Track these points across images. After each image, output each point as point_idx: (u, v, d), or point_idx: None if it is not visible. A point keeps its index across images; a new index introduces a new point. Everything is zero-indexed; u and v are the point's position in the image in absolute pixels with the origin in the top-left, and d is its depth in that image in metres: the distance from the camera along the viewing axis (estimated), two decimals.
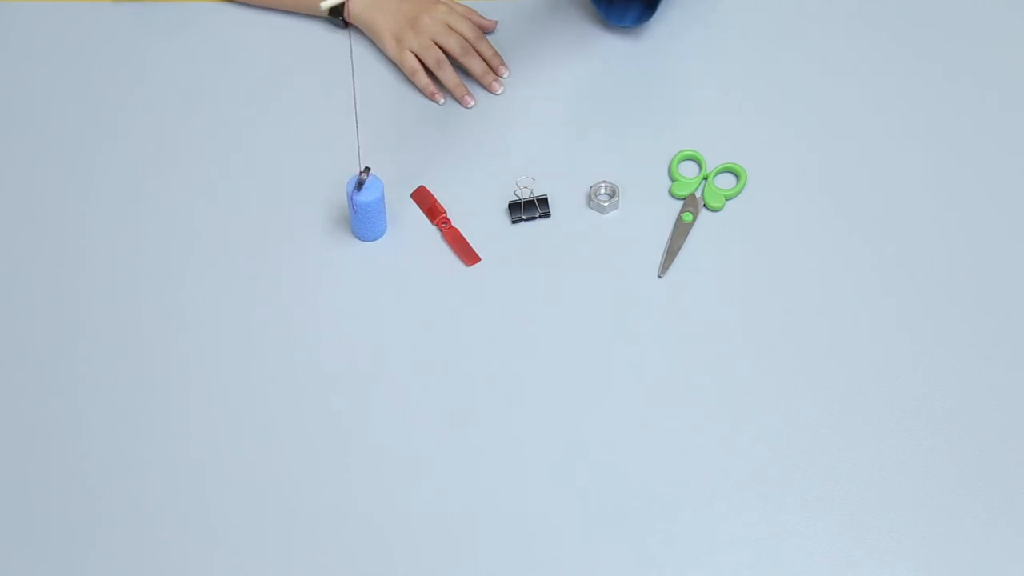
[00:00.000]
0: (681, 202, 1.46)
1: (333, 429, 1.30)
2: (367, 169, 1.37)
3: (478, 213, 1.44)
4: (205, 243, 1.43)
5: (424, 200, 1.45)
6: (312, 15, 1.60)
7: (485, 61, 1.55)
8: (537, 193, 1.44)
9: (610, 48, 1.58)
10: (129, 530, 1.25)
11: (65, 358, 1.35)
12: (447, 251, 1.42)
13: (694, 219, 1.44)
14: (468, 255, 1.41)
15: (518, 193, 1.45)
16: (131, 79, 1.56)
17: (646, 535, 1.24)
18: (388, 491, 1.27)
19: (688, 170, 1.48)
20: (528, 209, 1.43)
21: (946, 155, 1.50)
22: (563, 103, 1.53)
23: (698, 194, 1.46)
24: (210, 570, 1.23)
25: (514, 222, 1.43)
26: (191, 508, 1.26)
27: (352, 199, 1.37)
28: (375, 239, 1.43)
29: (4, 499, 1.26)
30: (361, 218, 1.39)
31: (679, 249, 1.42)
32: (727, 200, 1.46)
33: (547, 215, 1.44)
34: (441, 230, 1.43)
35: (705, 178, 1.47)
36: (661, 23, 1.60)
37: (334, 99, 1.54)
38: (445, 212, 1.44)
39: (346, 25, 1.59)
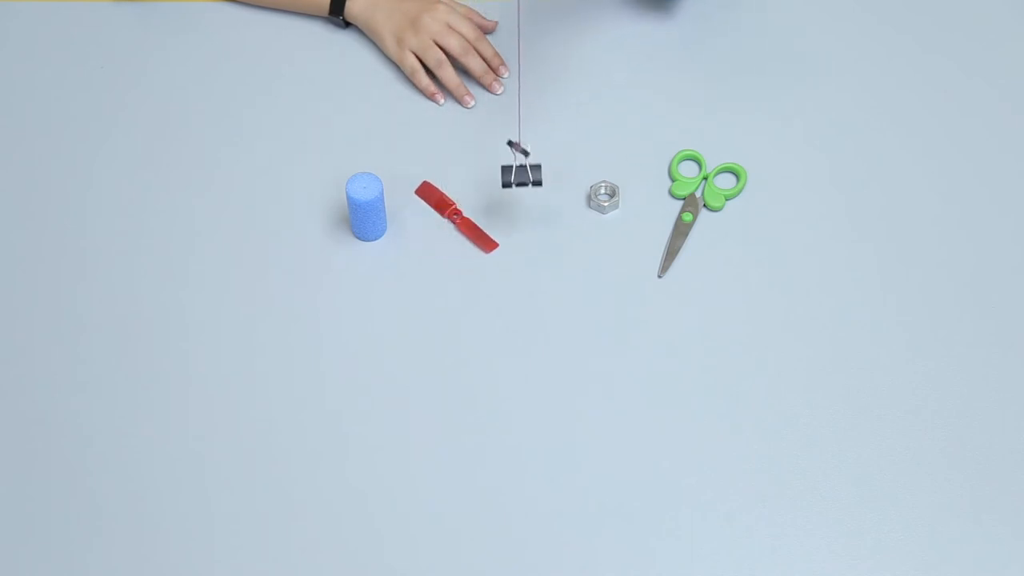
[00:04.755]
0: (681, 202, 1.46)
1: (333, 429, 1.30)
2: (512, 143, 1.34)
3: (478, 214, 1.44)
4: (205, 243, 1.43)
5: (431, 195, 1.45)
6: (312, 15, 1.60)
7: (485, 61, 1.55)
8: (531, 161, 1.37)
9: (610, 48, 1.58)
10: (129, 528, 1.25)
11: (65, 357, 1.35)
12: (447, 251, 1.42)
13: (694, 219, 1.44)
14: (485, 242, 1.42)
15: (513, 157, 1.38)
16: (131, 79, 1.56)
17: (646, 535, 1.24)
18: (388, 491, 1.27)
19: (688, 170, 1.48)
20: (520, 175, 1.38)
21: (947, 155, 1.50)
22: (563, 103, 1.53)
23: (698, 194, 1.46)
24: (210, 569, 1.23)
25: (504, 186, 1.38)
26: (191, 508, 1.26)
27: (350, 198, 1.37)
28: (375, 239, 1.43)
29: (4, 499, 1.26)
30: (361, 218, 1.39)
31: (679, 249, 1.42)
32: (727, 200, 1.46)
33: (539, 183, 1.38)
34: (454, 222, 1.43)
35: (705, 178, 1.47)
36: (661, 23, 1.60)
37: (334, 99, 1.54)
38: (455, 203, 1.44)
39: (346, 25, 1.59)
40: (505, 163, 1.38)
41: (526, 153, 1.34)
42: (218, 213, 1.45)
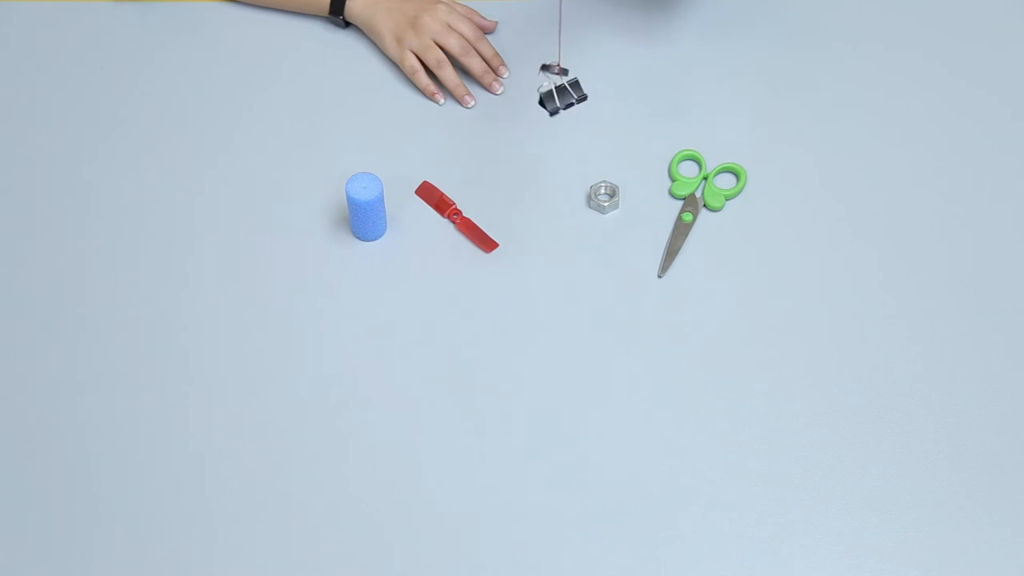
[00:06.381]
0: (681, 202, 1.46)
1: (333, 429, 1.30)
2: (546, 66, 1.28)
3: (478, 214, 1.44)
4: (205, 243, 1.43)
5: (431, 194, 1.45)
6: (312, 15, 1.60)
7: (485, 61, 1.55)
8: (567, 79, 1.35)
9: (610, 48, 1.58)
10: (129, 528, 1.25)
11: (65, 357, 1.35)
12: (447, 251, 1.42)
13: (694, 219, 1.44)
14: (485, 242, 1.42)
15: (547, 82, 1.35)
16: (132, 79, 1.56)
17: (646, 535, 1.24)
18: (389, 491, 1.27)
19: (688, 170, 1.48)
20: (563, 96, 1.35)
21: (946, 155, 1.50)
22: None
23: (698, 194, 1.46)
24: (210, 569, 1.23)
25: (552, 114, 1.36)
26: (191, 508, 1.26)
27: (350, 198, 1.37)
28: (375, 239, 1.43)
29: (4, 499, 1.26)
30: (361, 218, 1.39)
31: (679, 249, 1.42)
32: (727, 200, 1.46)
33: (584, 98, 1.35)
34: (454, 222, 1.43)
35: (705, 178, 1.47)
36: (661, 23, 1.60)
37: (334, 99, 1.54)
38: (455, 203, 1.44)
39: (346, 25, 1.59)
40: (544, 90, 1.34)
41: (565, 72, 1.29)
42: (218, 213, 1.45)
